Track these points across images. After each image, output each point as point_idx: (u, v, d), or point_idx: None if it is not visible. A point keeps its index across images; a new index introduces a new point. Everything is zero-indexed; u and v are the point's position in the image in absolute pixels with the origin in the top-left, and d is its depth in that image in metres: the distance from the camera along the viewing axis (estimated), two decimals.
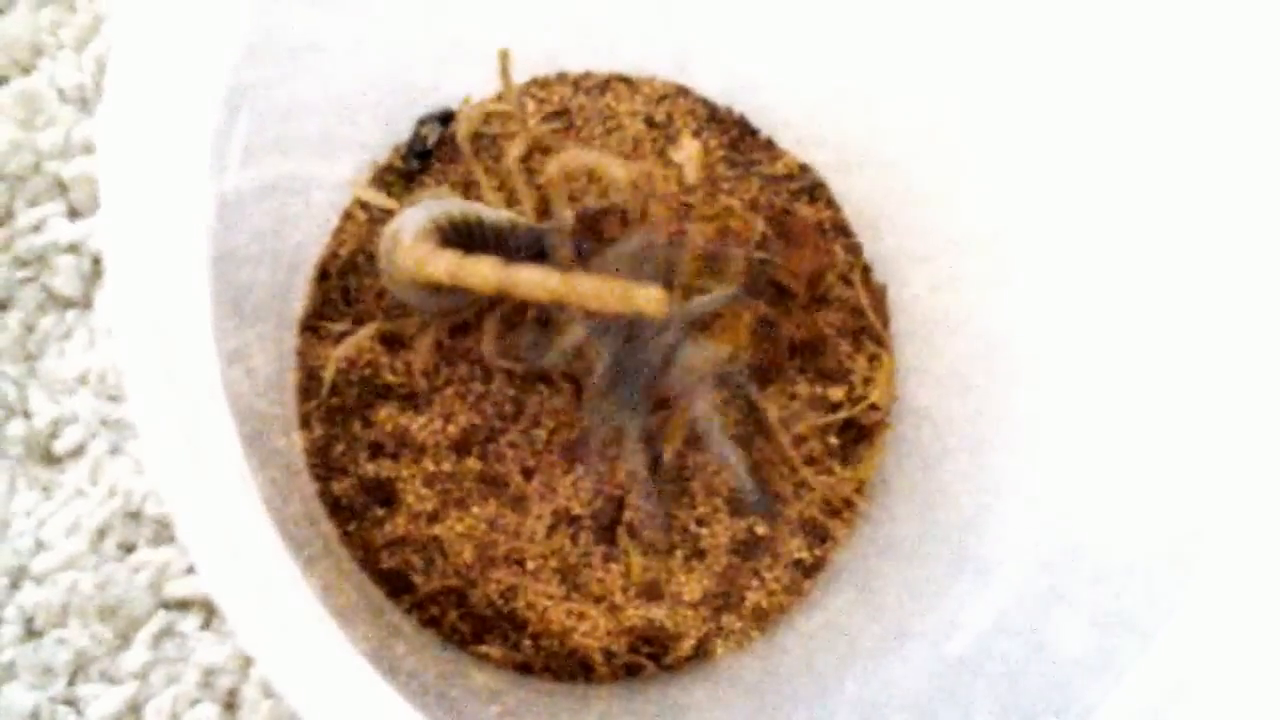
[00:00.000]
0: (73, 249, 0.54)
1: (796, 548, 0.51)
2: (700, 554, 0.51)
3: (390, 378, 0.51)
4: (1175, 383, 0.40)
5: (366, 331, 0.50)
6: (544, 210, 0.51)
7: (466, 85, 0.53)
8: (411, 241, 0.44)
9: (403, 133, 0.53)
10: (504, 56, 0.51)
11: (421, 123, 0.53)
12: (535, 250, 0.49)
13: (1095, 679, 0.34)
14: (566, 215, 0.50)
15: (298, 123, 0.46)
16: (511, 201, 0.52)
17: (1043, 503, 0.43)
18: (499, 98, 0.53)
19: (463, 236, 0.47)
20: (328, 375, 0.50)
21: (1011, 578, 0.42)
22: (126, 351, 0.30)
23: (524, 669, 0.50)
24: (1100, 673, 0.35)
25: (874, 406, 0.53)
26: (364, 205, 0.52)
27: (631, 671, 0.50)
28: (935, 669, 0.42)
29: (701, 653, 0.51)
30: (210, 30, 0.34)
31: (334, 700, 0.29)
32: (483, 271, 0.42)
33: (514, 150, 0.52)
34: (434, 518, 0.50)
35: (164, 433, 0.30)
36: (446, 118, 0.54)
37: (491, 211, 0.49)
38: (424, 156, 0.53)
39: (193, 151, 0.34)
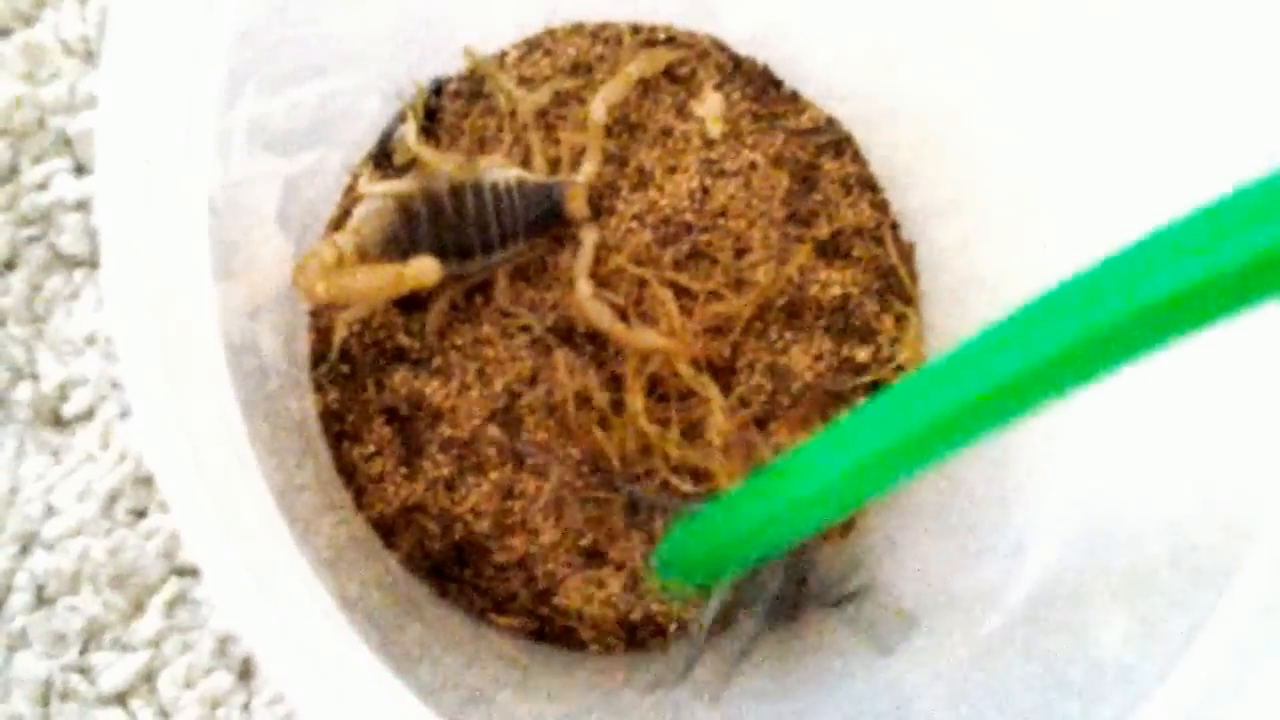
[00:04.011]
0: (80, 206, 0.53)
1: None
2: None
3: (405, 340, 0.49)
4: (1226, 346, 0.38)
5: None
6: (555, 166, 0.50)
7: (481, 29, 0.52)
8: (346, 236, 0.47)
9: (421, 77, 0.52)
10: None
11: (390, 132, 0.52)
12: (545, 208, 0.48)
13: (1134, 678, 0.33)
14: (589, 169, 0.49)
15: (310, 74, 0.45)
16: (527, 158, 0.50)
17: (1080, 477, 0.42)
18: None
19: (436, 211, 0.47)
20: (336, 337, 0.49)
21: (1048, 560, 0.41)
22: (118, 312, 0.29)
23: (541, 637, 0.49)
24: (1139, 671, 0.33)
25: (901, 368, 0.51)
26: (376, 163, 0.51)
27: (652, 639, 0.49)
28: (969, 651, 0.41)
29: (725, 620, 0.50)
30: None
31: (330, 691, 0.28)
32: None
33: (532, 102, 0.50)
34: (450, 484, 0.49)
35: (153, 397, 0.28)
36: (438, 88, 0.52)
37: (499, 172, 0.48)
38: (431, 116, 0.51)
39: (197, 106, 0.33)
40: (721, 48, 0.53)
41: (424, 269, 0.46)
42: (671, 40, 0.53)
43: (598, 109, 0.49)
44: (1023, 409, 0.29)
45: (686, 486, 0.49)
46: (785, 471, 0.37)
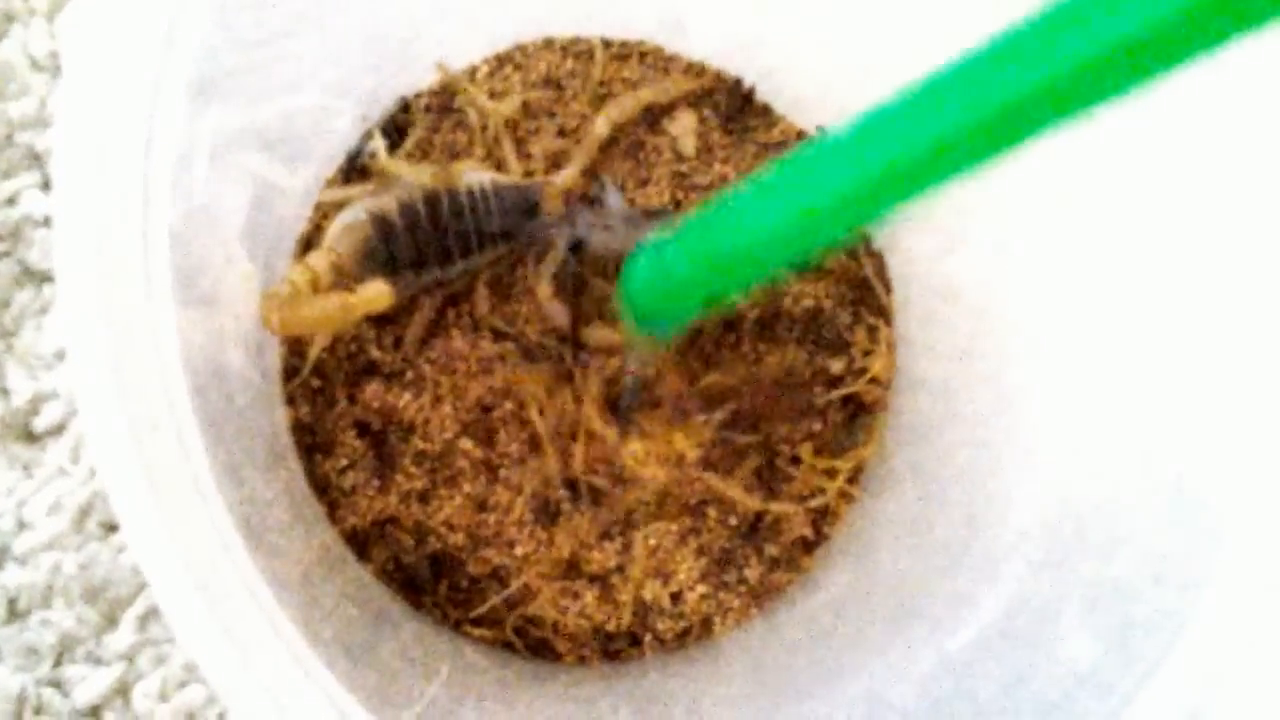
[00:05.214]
0: (49, 222, 0.53)
1: (798, 524, 0.50)
2: (699, 530, 0.50)
3: (377, 354, 0.49)
4: (1195, 348, 0.38)
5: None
6: (529, 176, 0.50)
7: (450, 45, 0.52)
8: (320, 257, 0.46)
9: (391, 93, 0.51)
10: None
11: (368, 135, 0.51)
12: (523, 210, 0.48)
13: (1107, 690, 0.33)
14: (569, 173, 0.49)
15: (278, 90, 0.45)
16: (500, 167, 0.50)
17: (1051, 491, 0.42)
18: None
19: (412, 222, 0.46)
20: (312, 353, 0.48)
21: (1019, 573, 0.41)
22: (73, 329, 0.29)
23: (515, 649, 0.49)
24: (1112, 683, 0.33)
25: (874, 380, 0.52)
26: (346, 178, 0.51)
27: (628, 650, 0.49)
28: (941, 664, 0.41)
29: (700, 630, 0.50)
30: None
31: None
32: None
33: (502, 111, 0.50)
34: (424, 496, 0.49)
35: (106, 416, 0.28)
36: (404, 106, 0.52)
37: (475, 175, 0.48)
38: (401, 131, 0.51)
39: (160, 122, 0.33)
40: (701, 71, 0.53)
41: (375, 293, 0.45)
42: (644, 56, 0.53)
43: (601, 125, 0.50)
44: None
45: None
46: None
